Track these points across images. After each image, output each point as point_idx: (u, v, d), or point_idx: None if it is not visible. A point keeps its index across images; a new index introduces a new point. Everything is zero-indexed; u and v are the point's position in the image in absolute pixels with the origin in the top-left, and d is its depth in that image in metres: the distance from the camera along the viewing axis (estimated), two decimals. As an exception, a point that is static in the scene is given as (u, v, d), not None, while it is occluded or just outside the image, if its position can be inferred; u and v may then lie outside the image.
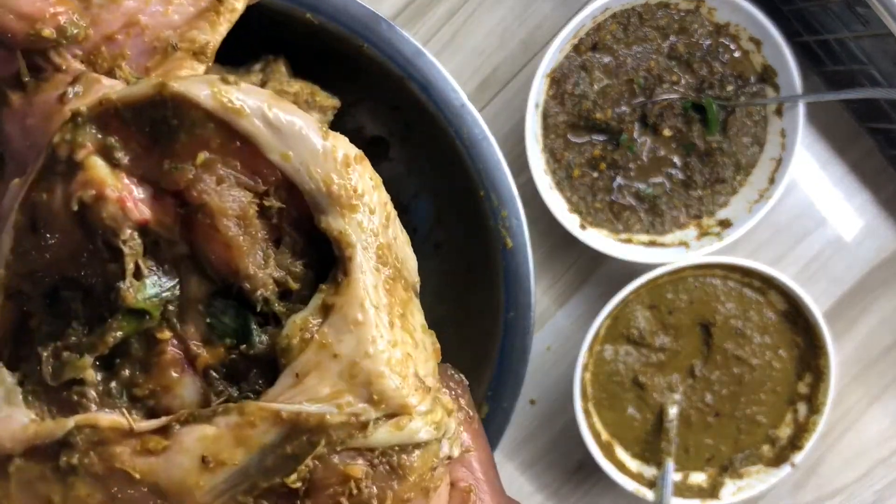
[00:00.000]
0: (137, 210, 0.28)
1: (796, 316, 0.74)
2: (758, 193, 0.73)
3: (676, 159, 0.74)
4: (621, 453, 0.75)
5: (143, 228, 0.28)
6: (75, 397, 0.29)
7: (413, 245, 0.68)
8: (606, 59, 0.72)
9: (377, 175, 0.32)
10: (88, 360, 0.28)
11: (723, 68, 0.73)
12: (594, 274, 0.78)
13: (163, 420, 0.28)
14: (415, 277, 0.33)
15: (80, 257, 0.28)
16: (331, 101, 0.63)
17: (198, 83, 0.27)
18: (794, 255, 0.79)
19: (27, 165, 0.29)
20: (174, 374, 0.29)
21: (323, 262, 0.31)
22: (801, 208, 0.78)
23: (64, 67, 0.29)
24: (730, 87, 0.72)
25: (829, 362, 0.72)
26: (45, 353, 0.28)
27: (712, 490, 0.75)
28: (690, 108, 0.72)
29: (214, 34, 0.30)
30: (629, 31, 0.72)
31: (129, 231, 0.27)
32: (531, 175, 0.69)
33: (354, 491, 0.28)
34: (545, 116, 0.72)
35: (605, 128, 0.72)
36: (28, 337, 0.30)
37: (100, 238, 0.27)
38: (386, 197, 0.31)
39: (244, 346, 0.29)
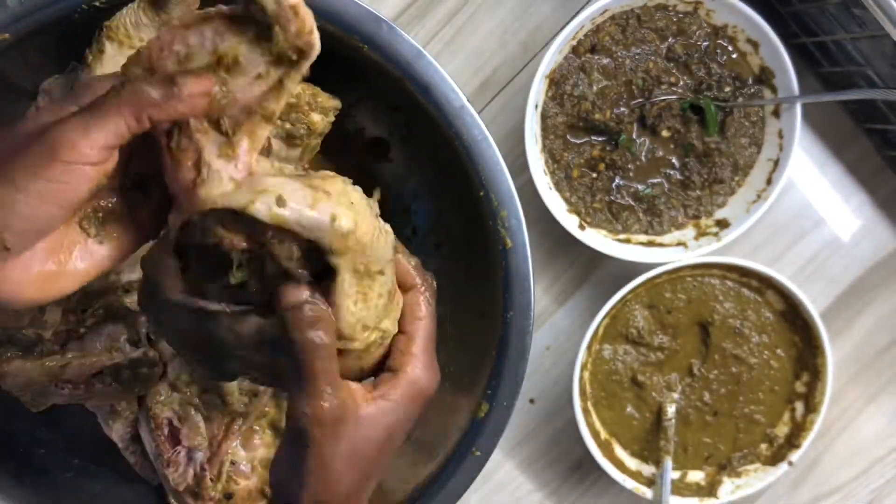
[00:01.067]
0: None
1: (794, 315, 0.74)
2: (755, 194, 0.73)
3: (675, 160, 0.74)
4: (620, 452, 0.75)
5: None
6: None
7: (413, 245, 0.69)
8: (605, 61, 0.73)
9: (370, 220, 0.43)
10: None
11: (721, 69, 0.73)
12: (593, 274, 0.78)
13: None
14: (382, 262, 0.44)
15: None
16: (332, 103, 0.64)
17: (261, 202, 0.40)
18: (792, 255, 0.79)
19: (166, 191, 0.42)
20: None
21: None
22: (798, 209, 0.79)
23: (196, 137, 0.41)
24: (728, 89, 0.73)
25: (826, 361, 0.73)
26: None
27: (710, 488, 0.75)
28: (689, 108, 0.73)
29: (278, 105, 0.42)
30: (628, 33, 0.72)
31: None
32: (531, 175, 0.70)
33: None
34: (544, 117, 0.72)
35: (603, 129, 0.73)
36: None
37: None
38: (372, 226, 0.43)
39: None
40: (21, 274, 0.39)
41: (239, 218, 0.41)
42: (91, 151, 0.37)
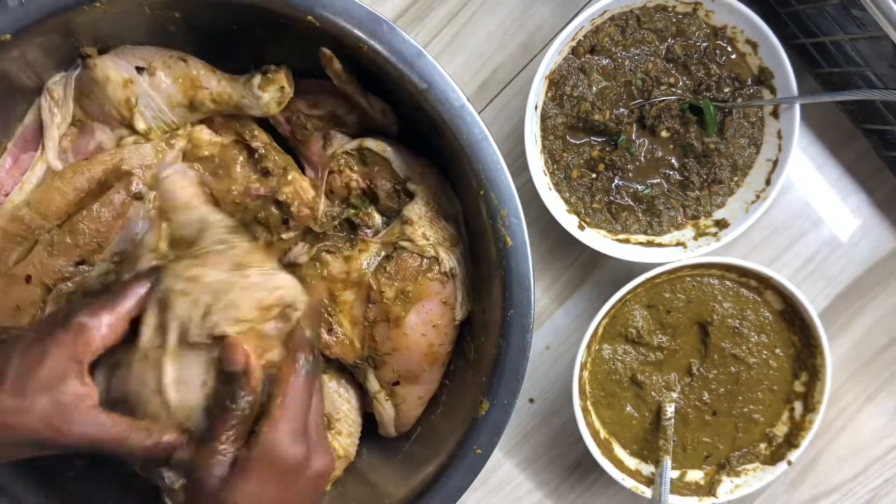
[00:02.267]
0: None
1: (793, 315, 0.74)
2: (755, 194, 0.74)
3: (674, 160, 0.74)
4: (619, 451, 0.76)
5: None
6: None
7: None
8: (605, 62, 0.73)
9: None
10: None
11: (720, 70, 0.73)
12: (592, 273, 0.79)
13: None
14: None
15: None
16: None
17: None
18: (791, 255, 0.79)
19: None
20: None
21: None
22: (797, 209, 0.79)
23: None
24: (727, 89, 0.73)
25: (825, 361, 0.73)
26: None
27: (709, 487, 0.75)
28: (688, 109, 0.73)
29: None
30: (627, 34, 0.72)
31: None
32: (530, 175, 0.70)
33: None
34: (544, 118, 0.72)
35: (603, 129, 0.73)
36: None
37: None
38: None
39: None
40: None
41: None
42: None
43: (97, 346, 0.50)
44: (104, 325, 0.51)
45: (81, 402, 0.49)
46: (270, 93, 0.65)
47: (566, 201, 0.74)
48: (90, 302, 0.52)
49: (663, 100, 0.73)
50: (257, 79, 0.65)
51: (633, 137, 0.74)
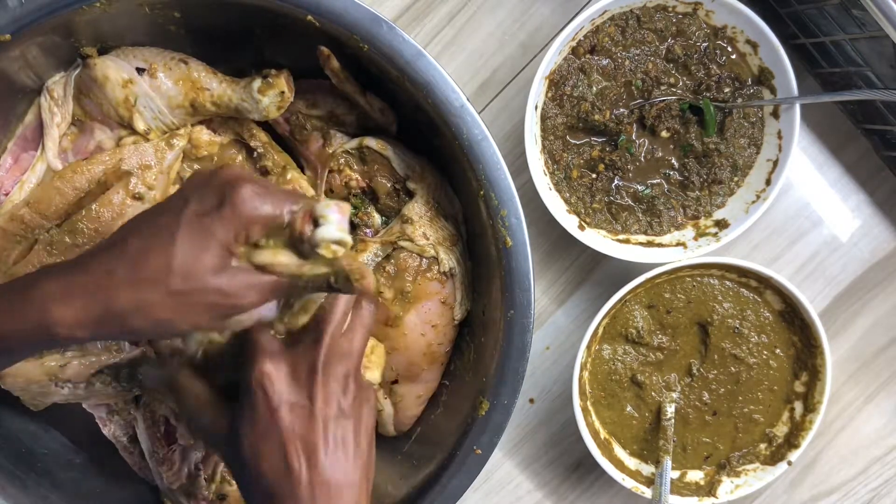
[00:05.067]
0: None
1: (793, 315, 0.74)
2: (755, 194, 0.74)
3: (674, 160, 0.74)
4: (619, 451, 0.76)
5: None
6: None
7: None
8: (605, 62, 0.73)
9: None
10: None
11: (720, 70, 0.73)
12: (592, 274, 0.78)
13: None
14: None
15: None
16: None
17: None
18: (791, 256, 0.79)
19: None
20: None
21: None
22: (797, 209, 0.79)
23: None
24: (727, 90, 0.73)
25: (825, 361, 0.73)
26: None
27: (709, 488, 0.75)
28: (688, 109, 0.73)
29: None
30: (627, 34, 0.72)
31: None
32: (530, 176, 0.70)
33: None
34: (544, 118, 0.72)
35: (603, 129, 0.73)
36: None
37: None
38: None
39: None
40: None
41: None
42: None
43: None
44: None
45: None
46: (270, 97, 0.65)
47: (566, 201, 0.74)
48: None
49: (663, 100, 0.73)
50: (257, 82, 0.65)
51: (633, 137, 0.74)
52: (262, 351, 0.51)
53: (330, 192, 0.68)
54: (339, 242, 0.48)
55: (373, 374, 0.66)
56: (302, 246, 0.48)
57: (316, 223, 0.48)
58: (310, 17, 0.60)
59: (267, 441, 0.49)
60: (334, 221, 0.48)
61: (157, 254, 0.46)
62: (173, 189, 0.67)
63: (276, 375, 0.50)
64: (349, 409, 0.51)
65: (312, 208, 0.48)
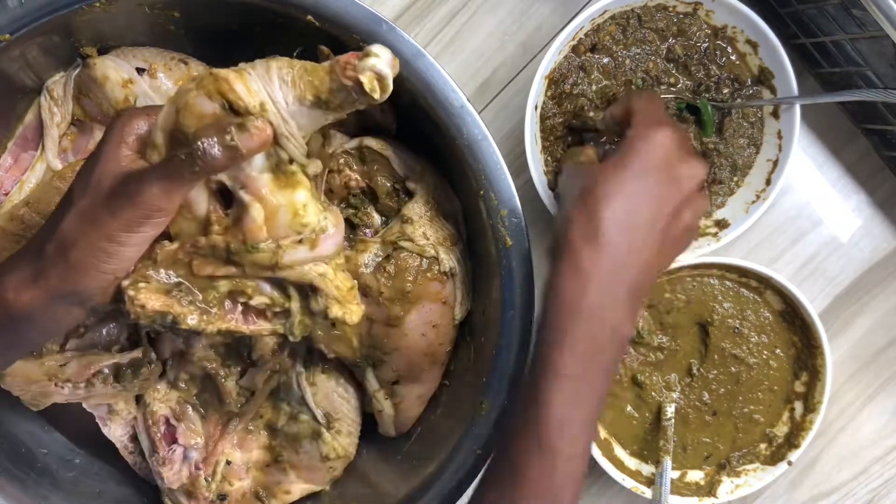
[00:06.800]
0: None
1: (793, 315, 0.74)
2: (755, 194, 0.74)
3: (674, 160, 0.74)
4: (620, 451, 0.76)
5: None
6: None
7: (414, 242, 0.66)
8: (605, 60, 0.73)
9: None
10: None
11: (720, 71, 0.73)
12: (593, 274, 0.78)
13: None
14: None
15: None
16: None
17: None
18: (791, 256, 0.79)
19: None
20: None
21: None
22: (797, 209, 0.79)
23: None
24: (726, 90, 0.73)
25: (825, 361, 0.73)
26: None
27: (710, 488, 0.75)
28: (685, 109, 0.73)
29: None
30: (628, 33, 0.72)
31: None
32: (530, 176, 0.70)
33: None
34: (544, 118, 0.72)
35: (602, 129, 0.73)
36: None
37: None
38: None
39: None
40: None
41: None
42: (172, 208, 0.50)
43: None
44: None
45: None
46: None
47: (566, 201, 0.74)
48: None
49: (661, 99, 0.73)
50: None
51: (633, 137, 0.74)
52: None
53: (330, 193, 0.68)
54: (382, 79, 0.49)
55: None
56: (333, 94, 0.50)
57: (364, 58, 0.49)
58: (310, 17, 0.60)
59: None
60: (385, 57, 0.49)
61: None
62: None
63: None
64: None
65: (365, 48, 0.49)
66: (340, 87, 0.49)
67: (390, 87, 0.49)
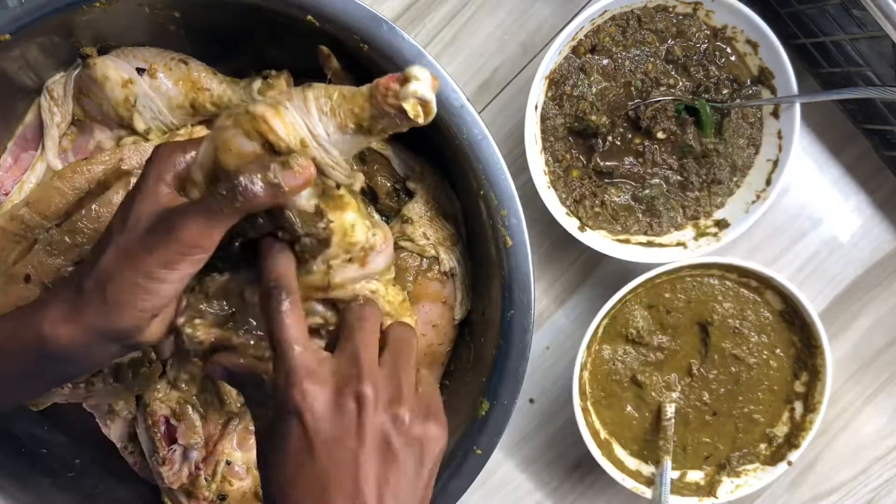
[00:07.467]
0: None
1: (793, 315, 0.74)
2: (755, 194, 0.74)
3: (673, 161, 0.74)
4: (620, 451, 0.76)
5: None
6: None
7: (414, 242, 0.66)
8: (605, 61, 0.73)
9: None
10: None
11: (719, 72, 0.73)
12: (593, 274, 0.78)
13: None
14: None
15: None
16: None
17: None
18: (791, 256, 0.79)
19: None
20: None
21: None
22: (797, 209, 0.79)
23: None
24: (725, 91, 0.73)
25: (825, 361, 0.73)
26: None
27: (710, 488, 0.75)
28: (683, 110, 0.73)
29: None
30: (628, 34, 0.72)
31: None
32: (530, 176, 0.70)
33: None
34: (544, 118, 0.72)
35: (597, 131, 0.73)
36: None
37: None
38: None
39: None
40: (159, 328, 0.51)
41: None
42: (210, 245, 0.48)
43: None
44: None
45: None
46: None
47: (566, 201, 0.74)
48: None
49: (659, 101, 0.73)
50: (257, 83, 0.65)
51: (631, 138, 0.74)
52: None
53: None
54: (425, 104, 0.46)
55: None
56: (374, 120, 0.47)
57: (404, 83, 0.46)
58: (310, 17, 0.60)
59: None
60: (426, 80, 0.46)
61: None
62: None
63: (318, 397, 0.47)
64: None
65: (404, 70, 0.46)
66: (382, 113, 0.47)
67: (434, 111, 0.47)
